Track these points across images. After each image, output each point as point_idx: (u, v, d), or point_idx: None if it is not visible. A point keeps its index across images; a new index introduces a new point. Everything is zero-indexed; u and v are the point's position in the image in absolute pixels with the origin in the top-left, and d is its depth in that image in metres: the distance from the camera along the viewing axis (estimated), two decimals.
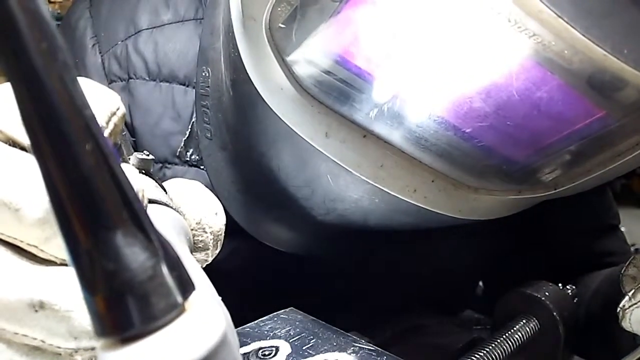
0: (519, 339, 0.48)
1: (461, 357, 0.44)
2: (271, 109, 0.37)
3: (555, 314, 0.49)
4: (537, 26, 0.26)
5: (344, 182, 0.39)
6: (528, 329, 0.49)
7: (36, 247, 0.22)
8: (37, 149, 0.13)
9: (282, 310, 0.44)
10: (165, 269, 0.14)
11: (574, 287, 0.54)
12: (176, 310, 0.14)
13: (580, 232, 0.63)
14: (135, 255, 0.13)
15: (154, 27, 0.56)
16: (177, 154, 0.55)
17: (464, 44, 0.30)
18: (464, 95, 0.32)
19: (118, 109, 0.25)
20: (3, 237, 0.22)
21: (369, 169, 0.37)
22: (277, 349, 0.39)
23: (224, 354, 0.15)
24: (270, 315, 0.43)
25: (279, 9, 0.32)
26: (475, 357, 0.44)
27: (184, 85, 0.55)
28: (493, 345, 0.46)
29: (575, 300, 0.52)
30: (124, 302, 0.13)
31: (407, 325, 0.58)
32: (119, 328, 0.13)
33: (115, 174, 0.13)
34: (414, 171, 0.37)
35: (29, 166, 0.22)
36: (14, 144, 0.23)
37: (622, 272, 0.45)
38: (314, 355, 0.38)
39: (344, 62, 0.33)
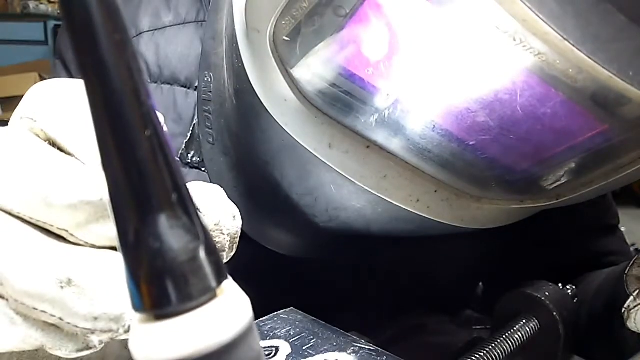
0: (519, 339, 0.48)
1: (461, 357, 0.44)
2: (275, 120, 0.37)
3: (555, 314, 0.49)
4: (542, 46, 0.26)
5: (347, 191, 0.39)
6: (528, 329, 0.49)
7: (67, 231, 0.23)
8: (100, 131, 0.14)
9: (282, 310, 0.44)
10: (204, 254, 0.15)
11: (574, 287, 0.54)
12: (210, 293, 0.15)
13: (580, 232, 0.63)
14: (179, 236, 0.14)
15: (155, 30, 0.56)
16: (179, 156, 0.55)
17: (469, 59, 0.30)
18: (467, 109, 0.33)
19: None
20: (33, 221, 0.23)
21: (372, 180, 0.38)
22: (277, 349, 0.39)
23: (251, 339, 0.15)
24: (270, 315, 0.43)
25: (283, 22, 0.32)
26: (475, 357, 0.44)
27: (185, 87, 0.55)
28: (493, 345, 0.46)
29: (575, 300, 0.53)
30: (164, 280, 0.14)
31: (407, 325, 0.58)
32: (157, 305, 0.14)
33: (169, 160, 0.14)
34: (416, 181, 0.38)
35: (65, 162, 0.23)
36: (53, 144, 0.24)
37: (626, 272, 0.45)
38: (314, 355, 0.38)
39: (348, 74, 0.33)
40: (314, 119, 0.35)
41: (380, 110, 0.34)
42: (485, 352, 0.45)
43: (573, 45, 0.25)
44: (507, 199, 0.39)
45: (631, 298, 0.41)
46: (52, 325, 0.23)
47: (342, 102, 0.35)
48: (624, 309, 0.41)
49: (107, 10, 0.13)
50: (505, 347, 0.46)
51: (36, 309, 0.22)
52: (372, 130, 0.36)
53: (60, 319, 0.22)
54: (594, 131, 0.32)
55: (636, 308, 0.40)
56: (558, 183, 0.37)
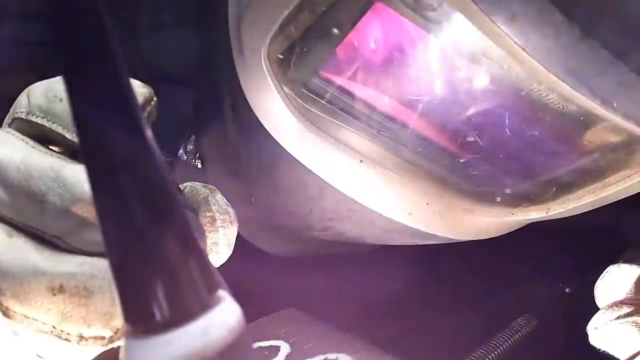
0: (519, 339, 0.48)
1: (462, 357, 0.44)
2: (269, 134, 0.38)
3: (555, 314, 0.49)
4: (528, 76, 0.27)
5: (340, 204, 0.40)
6: (528, 329, 0.49)
7: (59, 238, 0.23)
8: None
9: (282, 311, 0.44)
10: (196, 265, 0.15)
11: (574, 287, 0.54)
12: (202, 305, 0.15)
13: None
14: (171, 250, 0.14)
15: (155, 29, 0.56)
16: (178, 156, 0.55)
17: (460, 82, 0.31)
18: (458, 129, 0.34)
19: (154, 101, 0.28)
20: (26, 228, 0.23)
21: (365, 193, 0.38)
22: (277, 349, 0.39)
23: (242, 351, 0.15)
24: (270, 315, 0.43)
25: (278, 40, 0.32)
26: (475, 357, 0.44)
27: (185, 87, 0.55)
28: (493, 345, 0.46)
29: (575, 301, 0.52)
30: (155, 293, 0.14)
31: (407, 325, 0.58)
32: (148, 318, 0.14)
33: (171, 191, 0.15)
34: (408, 195, 0.38)
35: (58, 166, 0.23)
36: (46, 141, 0.25)
37: (596, 285, 0.43)
38: (314, 356, 0.38)
39: (341, 91, 0.34)
40: (307, 133, 0.36)
41: (373, 126, 0.35)
42: (485, 352, 0.45)
43: (558, 78, 0.26)
44: (498, 212, 0.40)
45: (596, 315, 0.39)
46: (44, 333, 0.23)
47: (335, 117, 0.35)
48: (588, 327, 0.40)
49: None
50: (505, 347, 0.46)
51: (28, 317, 0.22)
52: (365, 145, 0.36)
53: (54, 326, 0.22)
54: (581, 153, 0.33)
55: (600, 326, 0.39)
56: (547, 197, 0.38)
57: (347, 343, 0.40)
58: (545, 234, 0.64)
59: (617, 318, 0.37)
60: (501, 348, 0.46)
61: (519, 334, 0.48)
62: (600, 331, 0.38)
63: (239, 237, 0.54)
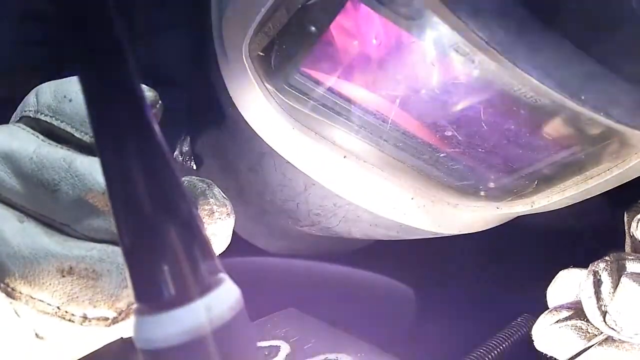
0: (518, 339, 0.48)
1: (461, 357, 0.44)
2: (254, 131, 0.38)
3: None
4: (499, 69, 0.28)
5: (325, 199, 0.40)
6: (528, 329, 0.49)
7: (68, 225, 0.24)
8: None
9: (282, 310, 0.44)
10: (198, 250, 0.16)
11: None
12: (205, 285, 0.16)
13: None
14: (176, 234, 0.15)
15: (149, 30, 0.56)
16: (174, 156, 0.56)
17: (435, 78, 0.31)
18: (437, 124, 0.34)
19: (158, 104, 0.30)
20: (36, 216, 0.24)
21: (350, 188, 0.39)
22: (277, 349, 0.39)
23: (242, 328, 0.17)
24: (270, 315, 0.44)
25: (258, 38, 0.33)
26: (475, 357, 0.44)
27: (178, 88, 0.55)
28: (493, 345, 0.46)
29: None
30: (163, 273, 0.15)
31: (406, 326, 0.58)
32: (156, 296, 0.15)
33: (178, 181, 0.16)
34: (393, 189, 0.39)
35: (67, 158, 0.24)
36: (54, 137, 0.26)
37: (547, 290, 0.42)
38: (314, 356, 0.38)
39: (321, 87, 0.35)
40: (291, 129, 0.36)
41: (355, 121, 0.35)
42: (485, 352, 0.45)
43: (524, 71, 0.26)
44: (483, 205, 0.40)
45: (539, 320, 0.39)
46: (47, 314, 0.24)
47: (318, 112, 0.36)
48: (533, 331, 0.39)
49: None
50: (505, 347, 0.46)
51: (34, 298, 0.22)
52: (348, 141, 0.37)
53: (58, 307, 0.23)
54: (558, 147, 0.33)
55: (543, 332, 0.38)
56: (531, 191, 0.38)
57: (347, 343, 0.40)
58: (544, 234, 0.64)
59: (557, 322, 0.37)
60: (501, 348, 0.46)
61: (519, 334, 0.48)
62: (542, 335, 0.38)
63: (239, 238, 0.54)
